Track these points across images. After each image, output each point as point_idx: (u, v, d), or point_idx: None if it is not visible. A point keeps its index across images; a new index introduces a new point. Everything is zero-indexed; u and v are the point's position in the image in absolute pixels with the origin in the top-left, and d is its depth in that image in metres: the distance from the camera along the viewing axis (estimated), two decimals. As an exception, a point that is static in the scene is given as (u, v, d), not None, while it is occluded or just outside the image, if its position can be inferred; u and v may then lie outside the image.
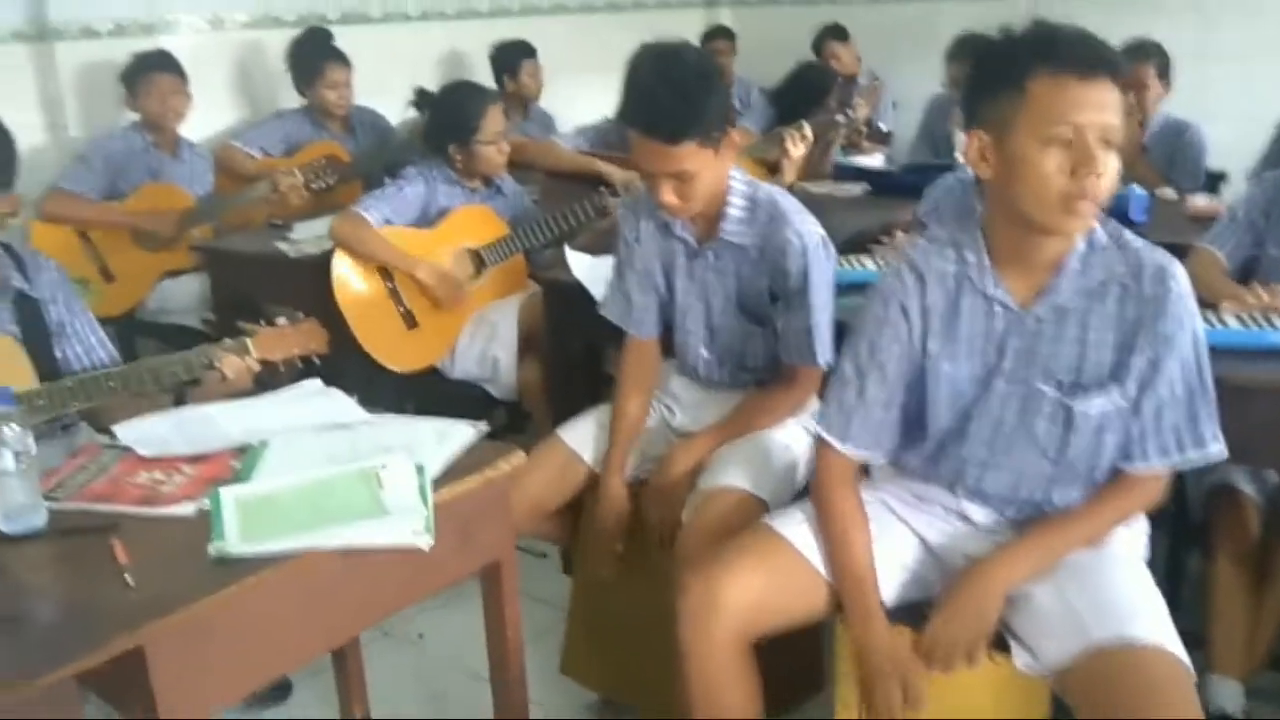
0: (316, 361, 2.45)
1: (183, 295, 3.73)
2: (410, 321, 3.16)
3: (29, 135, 3.75)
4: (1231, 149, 3.84)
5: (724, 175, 2.18)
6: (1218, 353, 1.76)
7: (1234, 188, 3.85)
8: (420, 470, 1.68)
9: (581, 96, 5.50)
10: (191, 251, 3.69)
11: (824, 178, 4.10)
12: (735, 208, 2.21)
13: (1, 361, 2.10)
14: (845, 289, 2.43)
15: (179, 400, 2.29)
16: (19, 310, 2.22)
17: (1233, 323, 2.18)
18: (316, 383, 2.14)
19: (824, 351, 2.19)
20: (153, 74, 3.73)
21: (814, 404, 2.32)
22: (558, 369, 2.98)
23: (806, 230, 2.18)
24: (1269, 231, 2.52)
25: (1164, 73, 3.70)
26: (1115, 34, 4.63)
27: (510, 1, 5.41)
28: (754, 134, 4.64)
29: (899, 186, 3.84)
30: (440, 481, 1.69)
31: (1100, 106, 1.55)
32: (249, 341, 2.30)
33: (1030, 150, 1.58)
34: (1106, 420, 1.70)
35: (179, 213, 3.72)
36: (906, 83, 5.76)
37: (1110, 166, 1.57)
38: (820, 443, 1.84)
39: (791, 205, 2.22)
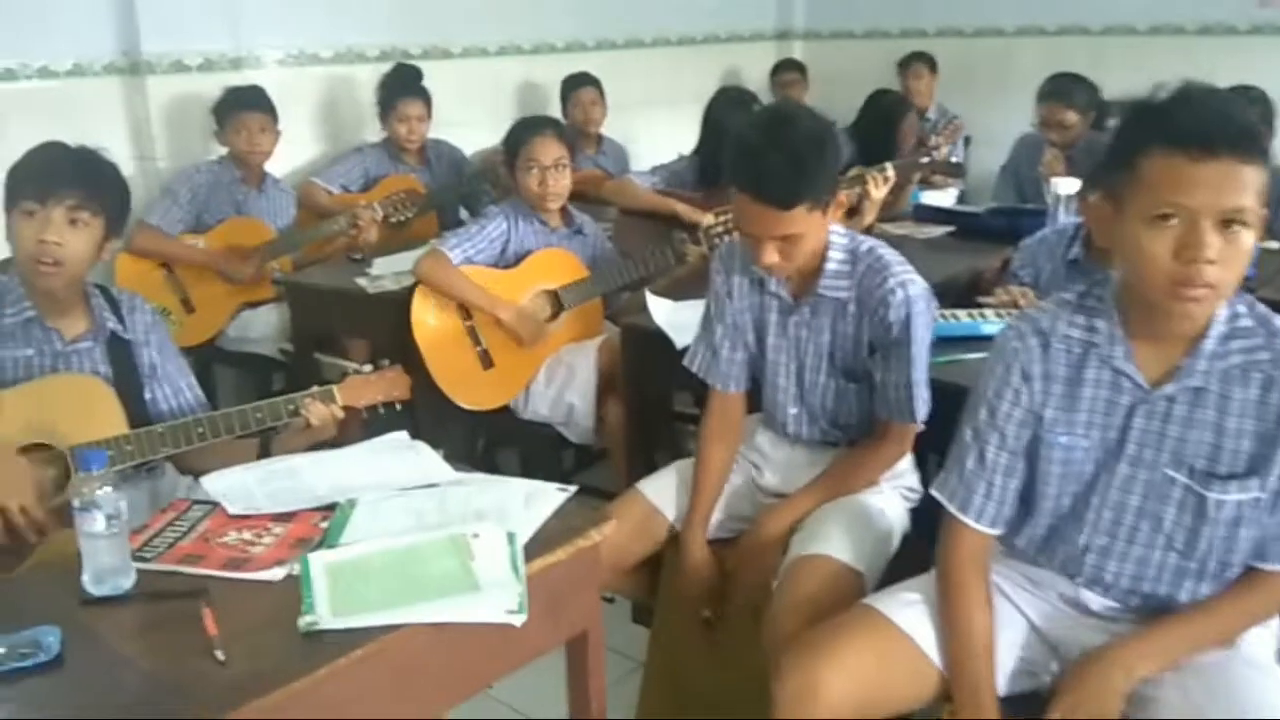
0: (398, 408, 2.46)
1: (262, 325, 3.74)
2: (486, 361, 3.14)
3: (119, 166, 3.81)
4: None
5: (826, 232, 2.14)
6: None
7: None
8: (511, 539, 1.63)
9: (656, 129, 5.52)
10: (272, 284, 3.70)
11: (902, 218, 4.01)
12: (834, 262, 2.16)
13: (93, 403, 2.11)
14: (938, 343, 2.36)
15: (265, 445, 2.28)
16: (112, 352, 2.24)
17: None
18: (403, 435, 2.11)
19: (922, 407, 2.13)
20: (244, 112, 3.76)
21: (907, 463, 2.26)
22: (635, 414, 2.93)
23: (910, 281, 2.12)
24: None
25: (1267, 119, 3.56)
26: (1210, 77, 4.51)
27: (585, 36, 5.40)
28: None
29: (985, 230, 3.75)
30: (531, 549, 1.65)
31: (1216, 187, 1.44)
32: (335, 389, 2.32)
33: (1139, 228, 1.50)
34: (1243, 513, 1.60)
35: (259, 253, 3.73)
36: (978, 116, 5.70)
37: (1236, 249, 1.46)
38: (946, 516, 1.76)
39: (893, 256, 2.16)
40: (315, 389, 2.32)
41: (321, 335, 3.59)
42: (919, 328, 2.10)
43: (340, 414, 2.26)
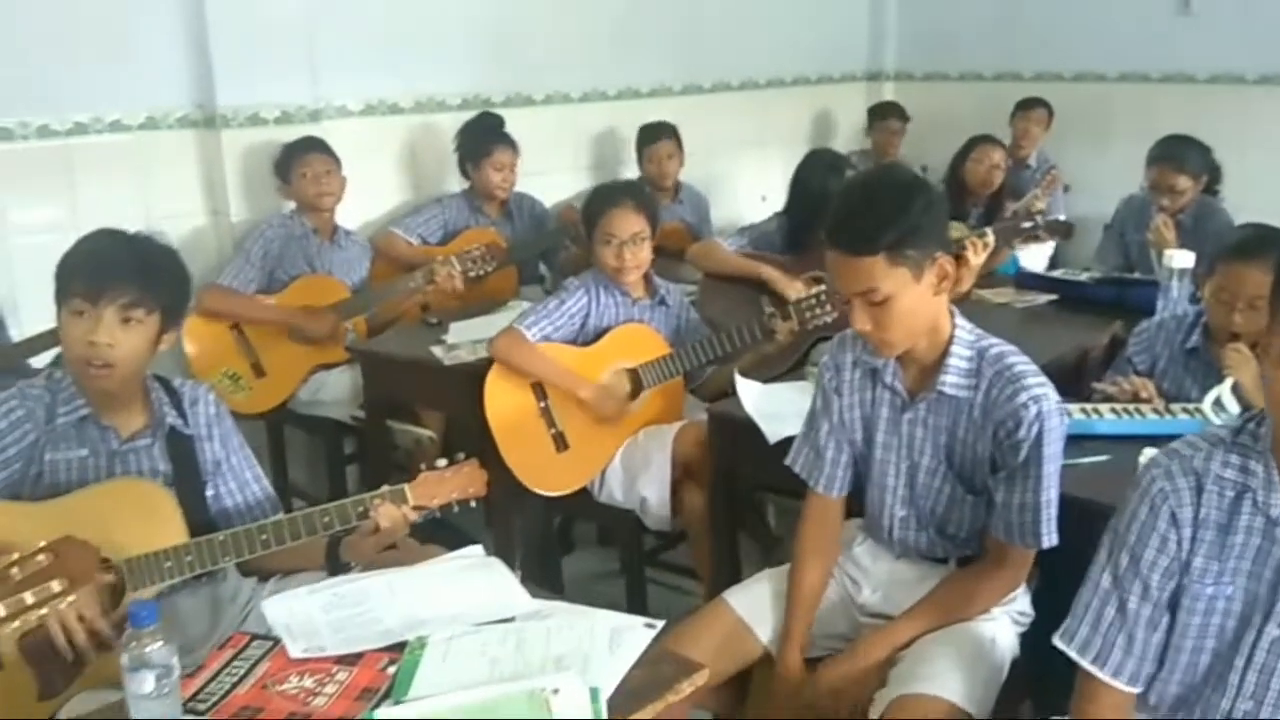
0: (474, 504, 2.34)
1: (336, 388, 3.65)
2: (561, 444, 3.00)
3: (191, 221, 3.78)
4: None
5: (937, 313, 1.98)
6: None
7: None
8: (595, 695, 1.49)
9: (744, 173, 5.39)
10: (346, 350, 3.61)
11: (1002, 283, 3.81)
12: (959, 358, 1.99)
13: (151, 510, 2.00)
14: None
15: (334, 543, 2.17)
16: (172, 447, 2.14)
17: None
18: (478, 551, 1.99)
19: (1050, 533, 1.95)
20: (303, 156, 3.70)
21: (1021, 588, 2.08)
22: (723, 507, 2.78)
23: (1044, 396, 1.94)
24: None
25: None
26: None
27: (671, 80, 5.27)
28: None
29: (1091, 299, 3.55)
30: (616, 703, 1.51)
31: None
32: (407, 489, 2.20)
33: (1272, 371, 1.37)
34: None
35: (333, 310, 3.65)
36: (1077, 163, 5.51)
37: None
38: (1082, 673, 1.59)
39: (1025, 366, 1.98)
40: (386, 489, 2.20)
41: (395, 404, 3.50)
42: (1050, 446, 1.93)
43: (413, 516, 2.14)
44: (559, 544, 3.48)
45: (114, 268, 1.97)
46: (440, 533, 2.43)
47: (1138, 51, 5.46)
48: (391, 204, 4.30)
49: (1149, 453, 2.17)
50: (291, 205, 3.77)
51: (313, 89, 3.92)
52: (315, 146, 3.72)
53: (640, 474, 2.96)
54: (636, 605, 3.06)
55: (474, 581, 1.84)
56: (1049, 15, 5.68)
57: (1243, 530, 1.50)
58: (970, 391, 1.98)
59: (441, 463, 2.29)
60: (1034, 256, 4.74)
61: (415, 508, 2.17)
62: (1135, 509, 1.56)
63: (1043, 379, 1.96)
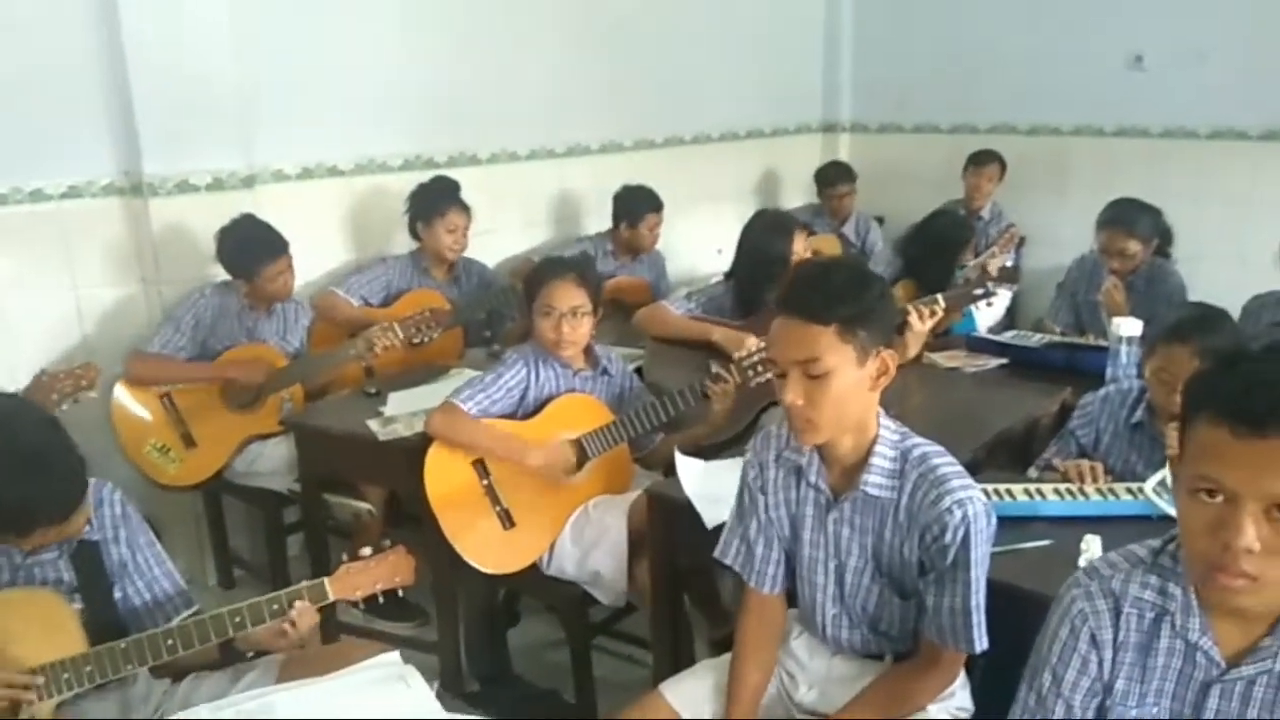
0: (400, 593, 2.27)
1: (272, 459, 3.56)
2: (507, 521, 2.92)
3: (120, 290, 3.68)
4: None
5: (867, 408, 1.92)
6: None
7: None
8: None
9: (698, 227, 5.35)
10: (280, 423, 3.51)
11: (953, 346, 3.77)
12: (883, 458, 1.93)
13: (50, 621, 1.94)
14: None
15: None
16: (77, 558, 2.07)
17: None
18: (394, 659, 1.90)
19: (981, 638, 1.89)
20: (272, 262, 3.57)
21: (958, 681, 2.01)
22: (667, 584, 2.70)
23: (968, 499, 1.87)
24: None
25: None
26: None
27: (622, 136, 5.24)
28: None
29: (1041, 363, 3.51)
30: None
31: (1261, 470, 1.25)
32: (327, 583, 2.14)
33: (1183, 496, 1.34)
34: None
35: (269, 377, 3.55)
36: (1033, 215, 5.54)
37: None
38: None
39: (950, 467, 1.92)
40: (303, 586, 2.13)
41: (332, 477, 3.40)
42: (978, 549, 1.87)
43: (315, 620, 2.08)
44: (505, 615, 3.38)
45: None
46: (389, 604, 2.37)
47: (1092, 105, 5.50)
48: (332, 266, 4.22)
49: (1090, 540, 2.14)
50: (225, 276, 3.66)
51: (246, 154, 3.83)
52: (280, 249, 3.60)
53: (594, 547, 2.88)
54: (583, 680, 2.98)
55: (387, 699, 1.75)
56: (1004, 68, 5.71)
57: (1163, 653, 1.47)
58: (894, 493, 1.92)
59: (366, 551, 2.24)
60: (993, 306, 4.73)
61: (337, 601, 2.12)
62: (1056, 629, 1.53)
63: (967, 481, 1.90)
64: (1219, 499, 1.29)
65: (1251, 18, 4.97)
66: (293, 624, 2.06)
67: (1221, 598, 1.35)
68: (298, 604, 2.07)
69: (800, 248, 3.54)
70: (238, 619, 2.04)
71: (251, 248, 3.57)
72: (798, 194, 6.17)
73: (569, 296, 2.98)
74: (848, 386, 1.84)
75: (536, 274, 3.08)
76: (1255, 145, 5.09)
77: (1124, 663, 1.49)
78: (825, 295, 1.83)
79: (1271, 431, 1.24)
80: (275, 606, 2.07)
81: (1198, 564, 1.35)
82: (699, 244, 5.34)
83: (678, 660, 2.60)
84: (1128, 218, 3.81)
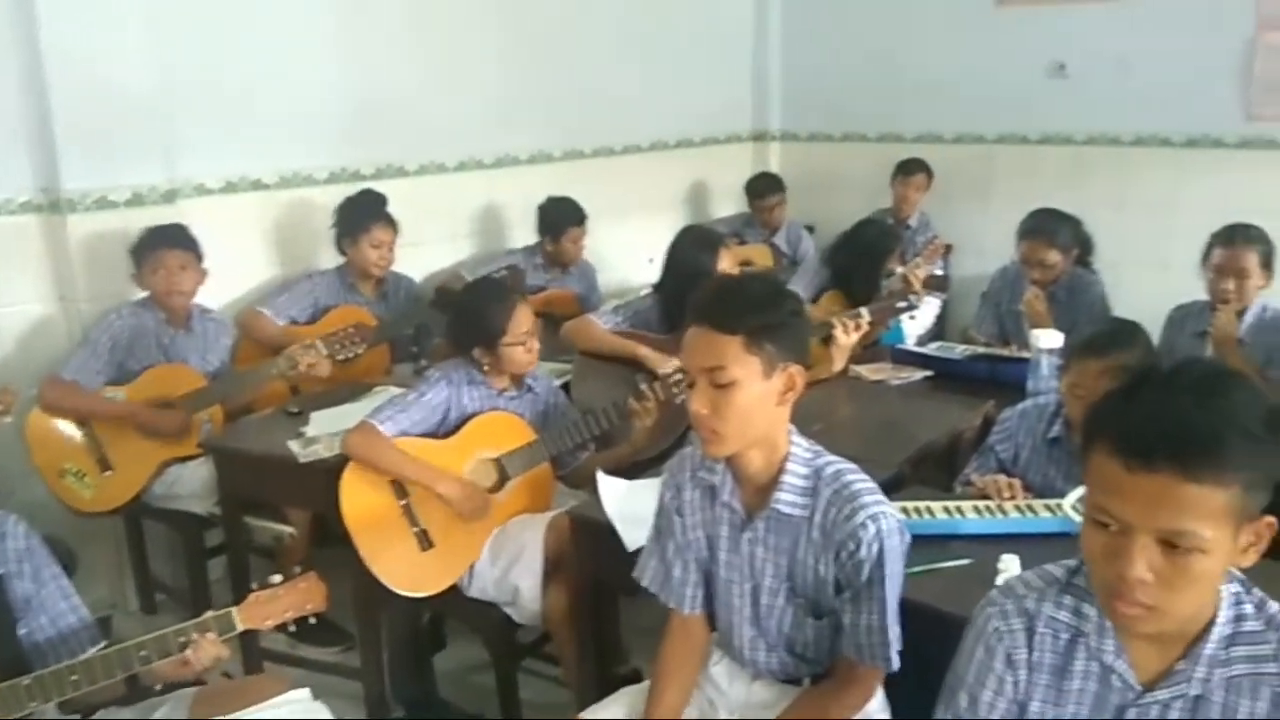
0: (311, 620, 2.24)
1: (191, 482, 3.48)
2: (425, 542, 2.87)
3: (38, 309, 3.60)
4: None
5: (775, 424, 1.91)
6: None
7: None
8: None
9: (629, 236, 5.33)
10: (199, 445, 3.44)
11: (879, 359, 3.79)
12: (794, 475, 1.92)
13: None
14: (911, 540, 2.13)
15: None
16: None
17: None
18: (304, 695, 1.87)
19: (895, 652, 1.90)
20: (162, 250, 3.50)
21: (877, 700, 2.01)
22: (588, 607, 2.67)
23: (881, 514, 1.87)
24: None
25: (1267, 261, 3.37)
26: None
27: (552, 147, 5.21)
28: (802, 299, 4.39)
29: (964, 374, 3.54)
30: None
31: (1151, 504, 1.25)
32: (234, 614, 2.10)
33: (1086, 520, 1.34)
34: None
35: (186, 401, 3.47)
36: (959, 223, 5.60)
37: (1183, 574, 1.26)
38: None
39: (862, 484, 1.92)
40: (210, 616, 2.09)
41: (253, 500, 3.34)
42: (891, 566, 1.87)
43: (227, 653, 2.04)
44: (430, 640, 3.33)
45: None
46: (314, 629, 2.33)
47: (1017, 113, 5.56)
48: (258, 281, 4.15)
49: (1008, 559, 2.15)
50: (142, 293, 3.59)
51: (167, 169, 3.76)
52: (171, 241, 3.52)
53: (513, 564, 2.84)
54: (509, 703, 2.95)
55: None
56: (930, 77, 5.75)
57: (1079, 676, 1.45)
58: (806, 511, 1.91)
59: (276, 579, 2.21)
60: (922, 314, 4.77)
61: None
62: (972, 649, 1.52)
63: (879, 496, 1.90)
64: (1114, 528, 1.29)
65: (1172, 23, 5.05)
66: (187, 661, 2.02)
67: (1121, 624, 1.35)
68: (200, 643, 2.03)
69: (727, 264, 3.53)
70: (143, 653, 2.00)
71: (147, 234, 3.52)
72: (730, 203, 6.18)
73: (529, 317, 2.99)
74: (753, 398, 1.84)
75: (497, 306, 2.97)
76: (1178, 152, 5.18)
77: (1039, 684, 1.48)
78: (735, 306, 1.84)
79: (1161, 465, 1.23)
80: (182, 639, 2.03)
81: (1100, 590, 1.35)
82: (631, 254, 5.33)
83: (601, 686, 2.57)
84: (1047, 228, 3.86)
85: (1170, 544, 1.26)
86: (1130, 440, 1.26)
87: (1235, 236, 3.39)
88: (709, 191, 6.17)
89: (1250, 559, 1.32)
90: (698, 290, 1.93)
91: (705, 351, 1.84)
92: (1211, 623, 1.36)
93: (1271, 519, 1.31)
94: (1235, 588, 1.39)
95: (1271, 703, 1.34)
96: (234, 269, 3.99)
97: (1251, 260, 3.36)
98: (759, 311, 1.83)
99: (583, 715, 2.16)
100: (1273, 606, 1.38)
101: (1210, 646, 1.36)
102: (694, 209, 6.06)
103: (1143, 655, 1.41)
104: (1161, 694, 1.40)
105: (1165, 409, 1.26)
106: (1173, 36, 5.06)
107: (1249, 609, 1.38)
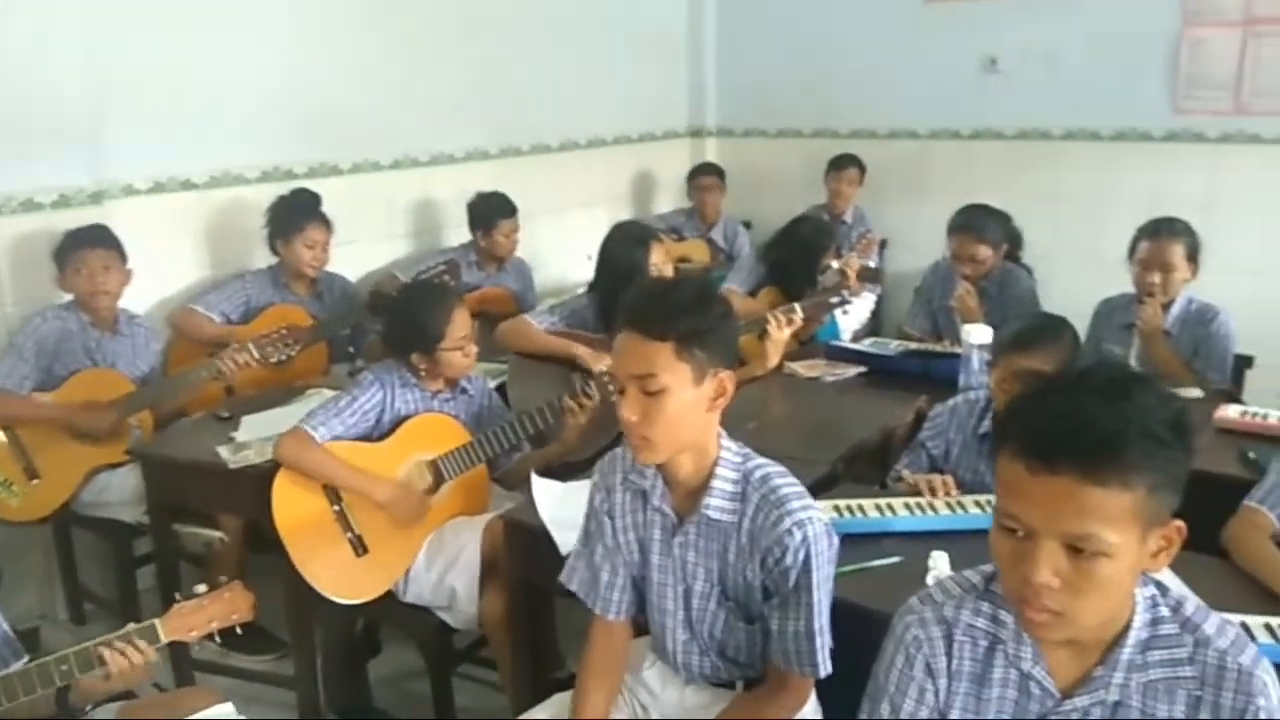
0: (238, 630, 2.21)
1: (120, 489, 3.41)
2: (360, 548, 2.85)
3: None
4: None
5: (705, 429, 1.91)
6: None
7: (1259, 374, 3.59)
8: None
9: (567, 233, 5.32)
10: (127, 452, 3.38)
11: (813, 355, 3.81)
12: (724, 480, 1.92)
13: None
14: (842, 538, 2.13)
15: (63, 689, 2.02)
16: None
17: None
18: (227, 710, 1.84)
19: (825, 661, 1.90)
20: (77, 252, 3.43)
21: (809, 705, 2.02)
22: (522, 611, 2.66)
23: (808, 520, 1.87)
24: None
25: (1193, 255, 3.43)
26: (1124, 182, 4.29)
27: (488, 144, 5.17)
28: (740, 293, 4.42)
29: (898, 370, 3.57)
30: None
31: (1054, 507, 1.25)
32: (158, 625, 2.06)
33: (994, 525, 1.34)
34: None
35: (116, 405, 3.40)
36: (893, 218, 5.67)
37: (1089, 579, 1.26)
38: None
39: (790, 488, 1.92)
40: (132, 628, 2.05)
41: (183, 507, 3.28)
42: (819, 571, 1.87)
43: (153, 657, 2.00)
44: (365, 646, 3.30)
45: None
46: (246, 637, 2.29)
47: (949, 109, 5.61)
48: (188, 283, 4.08)
49: (937, 557, 2.17)
50: (68, 296, 3.52)
51: (94, 169, 3.68)
52: (93, 241, 3.45)
53: (450, 567, 2.82)
54: (444, 710, 2.93)
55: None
56: (864, 73, 5.79)
57: (998, 683, 1.45)
58: (736, 516, 1.91)
59: (201, 589, 2.18)
60: (856, 309, 4.81)
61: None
62: (892, 657, 1.52)
63: (808, 501, 1.91)
64: (1020, 534, 1.29)
65: (1101, 19, 5.13)
66: (108, 676, 1.99)
67: (1031, 631, 1.36)
68: (123, 653, 1.99)
69: (659, 259, 3.52)
70: (64, 667, 1.96)
71: (69, 236, 3.45)
72: (667, 199, 6.20)
73: (467, 321, 2.98)
74: (683, 405, 1.83)
75: (434, 311, 2.94)
76: (1107, 145, 5.26)
77: (959, 692, 1.48)
78: (665, 312, 1.82)
79: (1063, 467, 1.23)
80: (100, 652, 1.99)
81: (1010, 596, 1.36)
82: (569, 251, 5.31)
83: (537, 690, 2.57)
84: (977, 224, 3.90)
85: (1075, 548, 1.26)
86: (1034, 443, 1.26)
87: (1161, 230, 3.45)
88: (647, 188, 6.17)
89: (1161, 564, 1.33)
90: (628, 292, 1.93)
91: (635, 358, 1.83)
92: (1127, 628, 1.37)
93: (1181, 523, 1.32)
94: (1150, 591, 1.40)
95: (1188, 706, 1.35)
96: (163, 271, 3.92)
97: (1177, 254, 3.41)
98: (689, 317, 1.82)
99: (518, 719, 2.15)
100: (1188, 609, 1.39)
101: (1127, 652, 1.36)
102: (632, 205, 6.06)
103: (1061, 662, 1.41)
104: (1080, 700, 1.39)
105: (1069, 411, 1.26)
106: (1101, 31, 5.14)
107: (1165, 612, 1.38)
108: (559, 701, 2.16)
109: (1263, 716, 1.32)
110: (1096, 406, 1.26)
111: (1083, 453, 1.23)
